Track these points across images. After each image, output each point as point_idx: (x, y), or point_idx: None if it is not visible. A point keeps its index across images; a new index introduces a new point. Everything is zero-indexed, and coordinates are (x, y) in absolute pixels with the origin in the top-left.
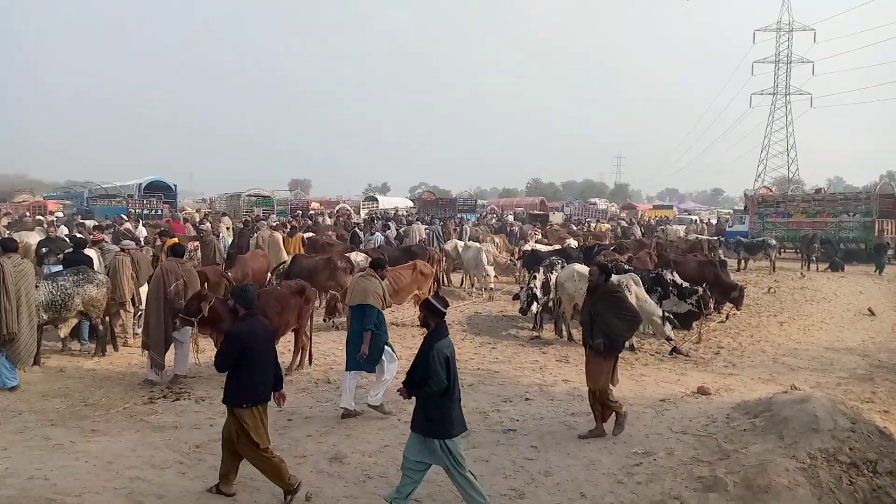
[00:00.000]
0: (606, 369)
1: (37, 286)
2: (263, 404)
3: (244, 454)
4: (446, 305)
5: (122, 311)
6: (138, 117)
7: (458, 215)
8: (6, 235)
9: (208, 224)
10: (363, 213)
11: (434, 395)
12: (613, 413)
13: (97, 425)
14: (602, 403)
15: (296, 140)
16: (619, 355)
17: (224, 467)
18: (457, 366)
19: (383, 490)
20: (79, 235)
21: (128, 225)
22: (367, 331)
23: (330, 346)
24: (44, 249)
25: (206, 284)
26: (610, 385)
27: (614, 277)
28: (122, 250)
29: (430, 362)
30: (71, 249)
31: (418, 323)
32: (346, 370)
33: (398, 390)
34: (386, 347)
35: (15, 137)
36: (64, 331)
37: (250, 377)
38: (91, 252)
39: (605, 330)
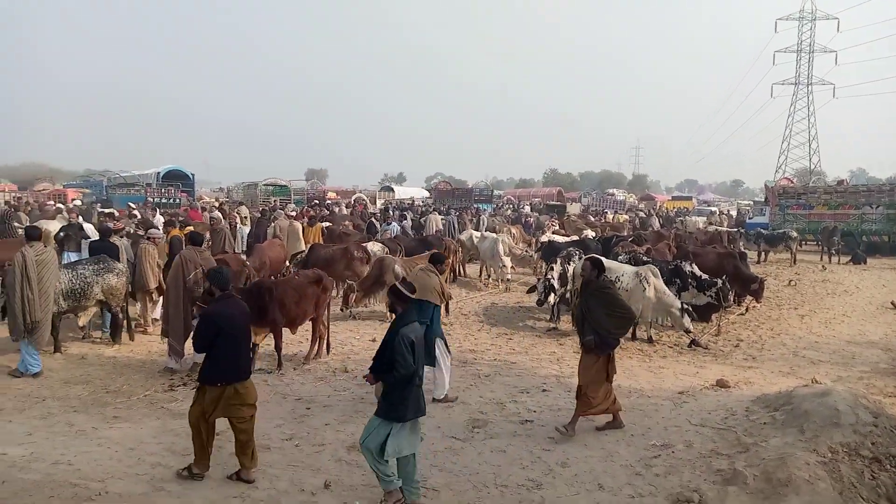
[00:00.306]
0: (597, 366)
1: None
2: (238, 383)
3: (190, 419)
4: (413, 291)
5: (146, 299)
6: (157, 107)
7: (475, 206)
8: (27, 224)
9: (217, 213)
10: (379, 203)
11: (401, 379)
12: (575, 412)
13: (119, 412)
14: (579, 399)
15: (313, 130)
16: (636, 350)
17: (238, 449)
18: (424, 350)
19: None
20: (105, 224)
21: (136, 213)
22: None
23: (347, 335)
24: (61, 234)
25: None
26: (599, 387)
27: (632, 269)
28: (149, 239)
29: (396, 346)
30: (97, 238)
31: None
32: None
33: (364, 376)
34: (439, 341)
35: (35, 127)
36: (83, 319)
37: (225, 357)
38: (117, 240)
39: (595, 327)
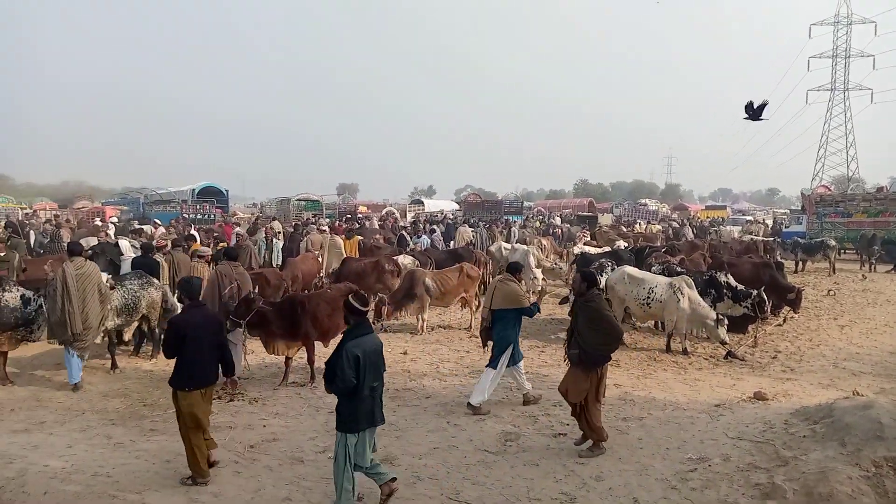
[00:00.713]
0: (587, 383)
1: (112, 287)
2: (206, 388)
3: (181, 432)
4: (365, 304)
5: None
6: (191, 123)
7: (505, 217)
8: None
9: (238, 228)
10: (409, 216)
11: (341, 392)
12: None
13: (155, 425)
14: (587, 422)
15: (344, 145)
16: (671, 363)
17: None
18: (380, 364)
19: (433, 491)
20: (144, 241)
21: (162, 230)
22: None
23: None
24: (89, 252)
25: (258, 287)
26: (597, 407)
27: (665, 280)
28: (199, 257)
29: (338, 361)
30: (129, 254)
31: (466, 326)
32: (486, 366)
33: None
34: (509, 350)
35: (76, 146)
36: (128, 334)
37: (191, 363)
38: (159, 257)
39: (580, 342)
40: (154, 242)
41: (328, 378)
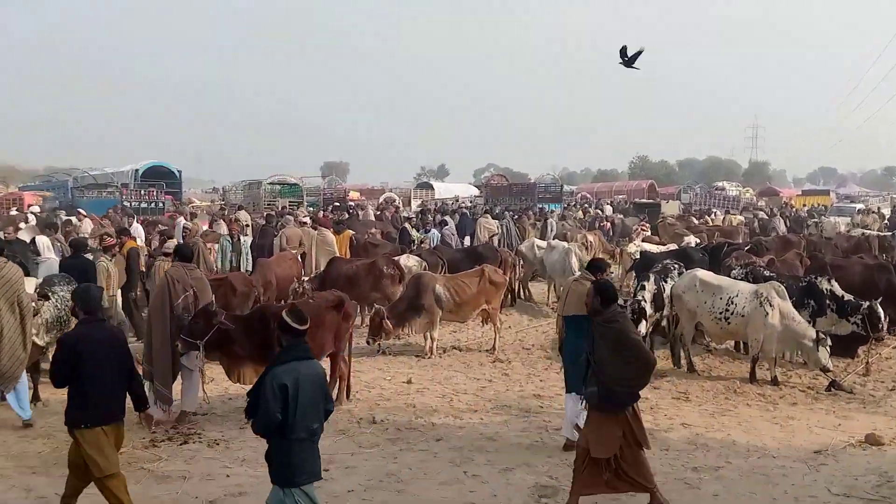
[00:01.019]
0: (617, 431)
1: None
2: (111, 425)
3: (94, 481)
4: (302, 322)
5: None
6: (134, 86)
7: (539, 206)
8: None
9: (182, 220)
10: (415, 204)
11: (265, 429)
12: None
13: None
14: (631, 481)
15: (331, 113)
16: (756, 396)
17: (67, 489)
18: (319, 399)
19: None
20: (75, 237)
21: (88, 223)
22: None
23: (375, 375)
24: None
25: (222, 295)
26: (640, 454)
27: (749, 287)
28: (165, 254)
29: (260, 389)
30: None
31: (488, 347)
32: (566, 392)
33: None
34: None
35: None
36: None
37: (87, 393)
38: (105, 260)
39: (598, 374)
40: (92, 241)
41: (248, 412)
